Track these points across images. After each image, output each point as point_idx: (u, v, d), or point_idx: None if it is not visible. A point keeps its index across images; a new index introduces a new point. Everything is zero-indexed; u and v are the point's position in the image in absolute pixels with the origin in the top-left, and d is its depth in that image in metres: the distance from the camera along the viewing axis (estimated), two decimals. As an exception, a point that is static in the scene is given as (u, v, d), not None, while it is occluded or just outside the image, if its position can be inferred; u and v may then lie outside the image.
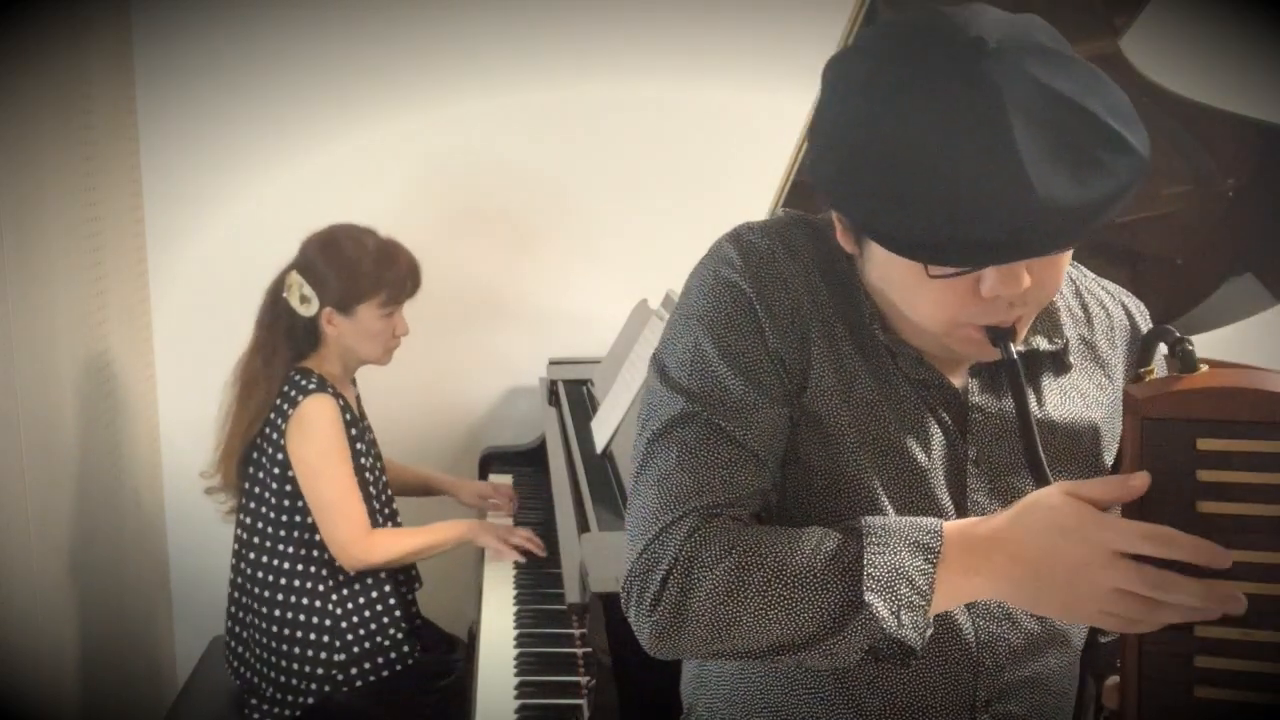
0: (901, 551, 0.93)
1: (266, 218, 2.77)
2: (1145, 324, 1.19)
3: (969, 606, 1.07)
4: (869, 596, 0.92)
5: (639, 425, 1.09)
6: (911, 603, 0.92)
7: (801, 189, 2.08)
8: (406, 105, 2.79)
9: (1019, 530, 0.90)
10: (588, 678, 1.67)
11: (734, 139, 2.85)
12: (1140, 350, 1.00)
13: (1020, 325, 1.01)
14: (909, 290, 1.00)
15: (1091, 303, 1.17)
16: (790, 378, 1.05)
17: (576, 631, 1.89)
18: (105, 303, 2.53)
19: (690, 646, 1.00)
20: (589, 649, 1.60)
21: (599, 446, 2.21)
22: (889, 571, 0.92)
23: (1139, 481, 0.88)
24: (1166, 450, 0.88)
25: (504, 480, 2.69)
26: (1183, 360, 0.90)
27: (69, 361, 2.33)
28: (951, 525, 0.95)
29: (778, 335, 1.05)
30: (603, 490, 2.01)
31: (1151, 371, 0.94)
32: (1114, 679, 0.95)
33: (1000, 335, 0.99)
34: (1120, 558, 0.85)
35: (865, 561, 0.93)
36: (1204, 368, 0.91)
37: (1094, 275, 1.21)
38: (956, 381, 1.09)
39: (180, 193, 2.78)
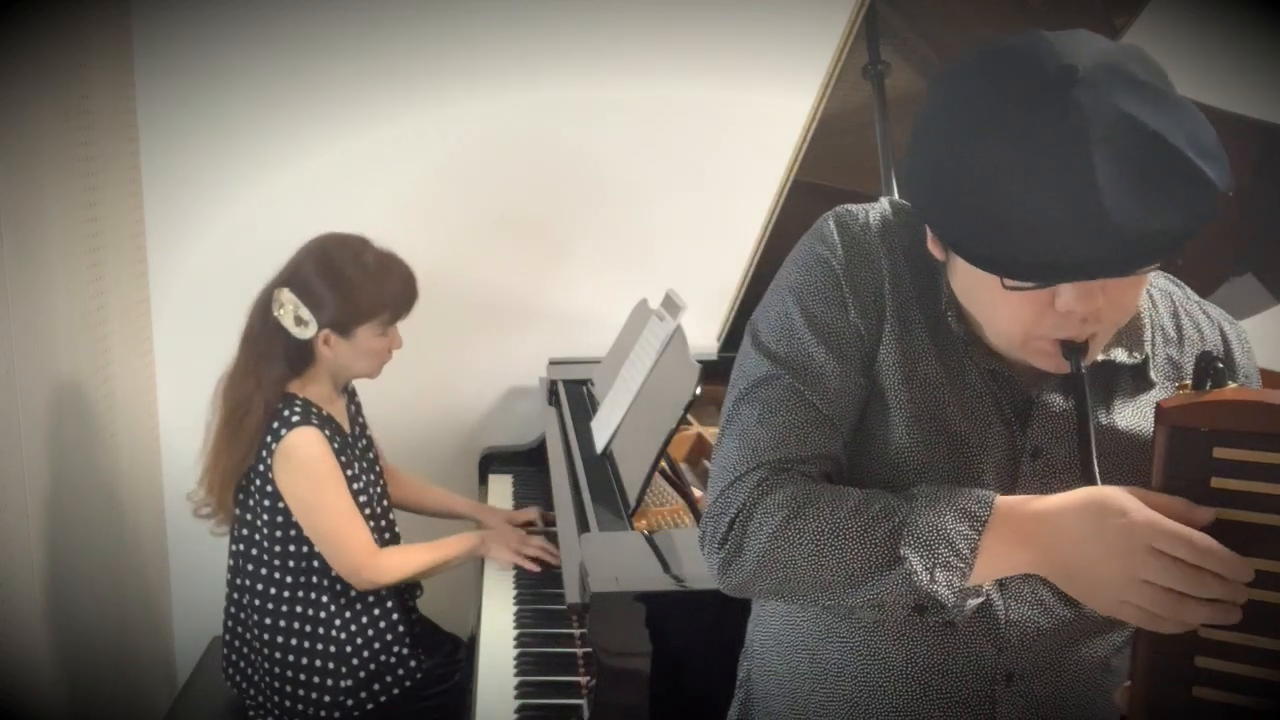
0: (946, 515, 0.99)
1: (267, 218, 2.77)
2: (1242, 350, 1.21)
3: (1001, 586, 1.12)
4: (904, 550, 0.99)
5: (731, 384, 1.18)
6: (948, 563, 0.98)
7: (801, 189, 2.08)
8: (406, 107, 2.78)
9: (1069, 511, 0.96)
10: (588, 678, 1.67)
11: (734, 139, 2.85)
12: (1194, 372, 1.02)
13: (1094, 343, 1.05)
14: (988, 302, 1.05)
15: (1187, 324, 1.20)
16: (866, 350, 1.14)
17: (576, 631, 1.89)
18: (105, 303, 2.53)
19: (749, 581, 1.09)
20: (589, 649, 1.60)
21: (599, 446, 2.21)
22: (929, 531, 0.99)
23: (1205, 514, 0.92)
24: (1186, 457, 0.93)
25: (504, 480, 2.70)
26: (1214, 377, 0.95)
27: (69, 361, 2.33)
28: (1004, 498, 1.00)
29: (858, 309, 1.13)
30: (603, 490, 2.01)
31: (1186, 386, 0.98)
32: (1126, 683, 0.98)
33: (1073, 350, 1.03)
34: (1156, 553, 0.89)
35: (908, 520, 1.00)
36: (1232, 384, 0.95)
37: (1197, 298, 1.24)
38: (1028, 375, 1.13)
39: (180, 193, 2.78)
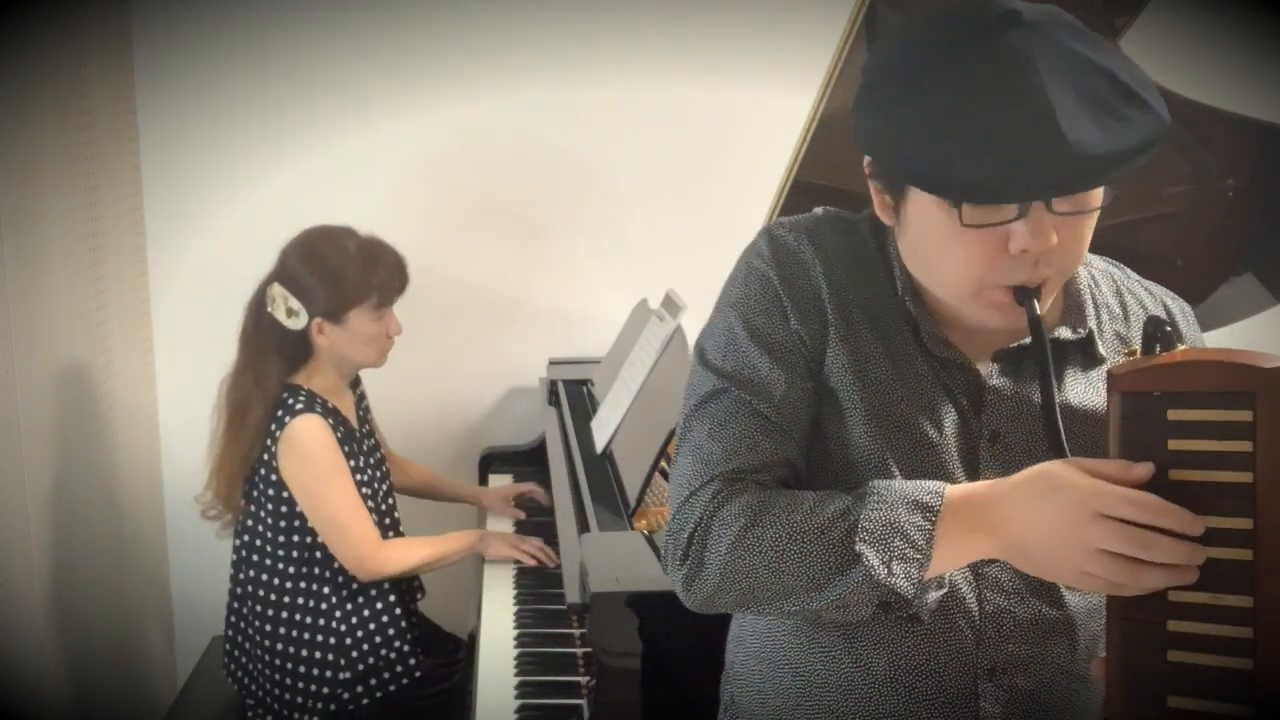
0: (899, 509, 1.00)
1: (267, 217, 2.76)
2: (1186, 323, 1.23)
3: (976, 578, 1.13)
4: (860, 547, 1.00)
5: (683, 404, 1.20)
6: (904, 555, 0.99)
7: (801, 189, 2.07)
8: (407, 104, 2.78)
9: (1016, 490, 0.97)
10: (588, 678, 1.67)
11: (734, 139, 2.85)
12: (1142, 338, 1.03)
13: (1045, 290, 1.06)
14: (943, 249, 1.06)
15: (1130, 301, 1.22)
16: (812, 356, 1.15)
17: (576, 631, 1.89)
18: (105, 303, 2.53)
19: (714, 595, 1.09)
20: (589, 649, 1.60)
21: (599, 446, 2.21)
22: (883, 526, 1.00)
23: (1142, 470, 0.92)
24: (1141, 422, 0.93)
25: (504, 480, 2.70)
26: (1162, 341, 0.95)
27: (69, 362, 2.33)
28: (955, 487, 1.02)
29: (798, 317, 1.14)
30: (603, 490, 2.01)
31: (1134, 352, 0.97)
32: (1102, 655, 0.98)
33: (1026, 294, 1.04)
34: (1104, 519, 0.90)
35: (862, 517, 1.01)
36: (1181, 346, 0.96)
37: (1138, 277, 1.26)
38: (980, 366, 1.15)
39: (180, 193, 2.78)
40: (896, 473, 1.11)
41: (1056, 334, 1.15)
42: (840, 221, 1.20)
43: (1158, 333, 0.96)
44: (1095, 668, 1.00)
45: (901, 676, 1.14)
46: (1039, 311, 1.04)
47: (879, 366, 1.13)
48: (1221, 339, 2.08)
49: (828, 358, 1.14)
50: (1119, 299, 1.22)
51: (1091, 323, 1.17)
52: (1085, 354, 1.17)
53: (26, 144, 2.14)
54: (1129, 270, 1.26)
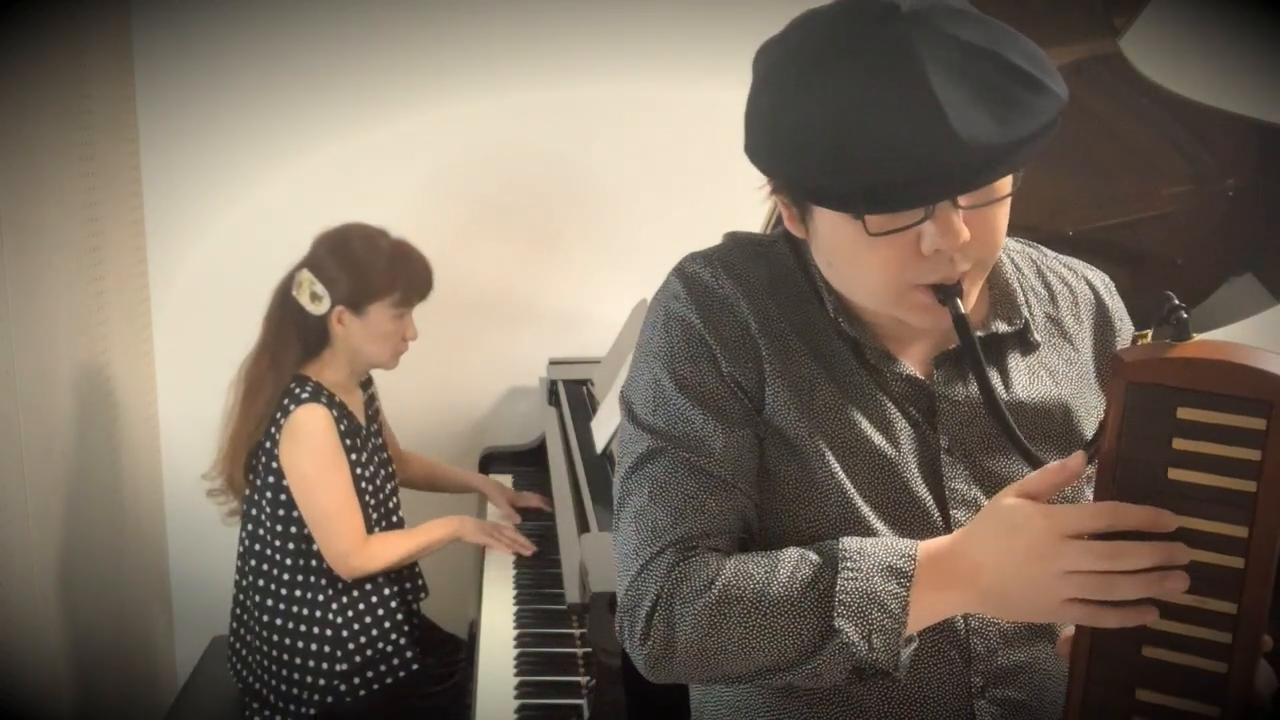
0: (874, 577, 0.97)
1: (267, 218, 2.77)
2: (1110, 296, 1.21)
3: None
4: (839, 622, 0.96)
5: (617, 461, 1.13)
6: (883, 626, 0.96)
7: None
8: (407, 106, 2.78)
9: (977, 539, 0.94)
10: (588, 678, 1.67)
11: (735, 139, 2.83)
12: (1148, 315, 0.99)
13: (967, 283, 1.03)
14: (855, 259, 1.02)
15: (1054, 280, 1.20)
16: (749, 398, 1.09)
17: (576, 631, 1.90)
18: (105, 303, 2.53)
19: (682, 674, 1.05)
20: (589, 649, 1.60)
21: (599, 446, 2.21)
22: (860, 598, 0.96)
23: (1075, 463, 0.91)
24: (1147, 415, 0.89)
25: (504, 480, 2.70)
26: (1176, 328, 0.90)
27: (69, 362, 2.33)
28: (926, 545, 0.98)
29: (729, 359, 1.08)
30: (603, 490, 2.01)
31: (1145, 336, 0.94)
32: (1069, 631, 0.96)
33: (947, 292, 1.01)
34: (1067, 540, 0.87)
35: (837, 588, 0.97)
36: (1196, 337, 0.91)
37: (1055, 254, 1.23)
38: (921, 373, 1.11)
39: (180, 193, 2.78)
40: (859, 498, 1.06)
41: (993, 328, 1.12)
42: (753, 246, 1.15)
43: (1171, 316, 0.90)
44: (1061, 647, 0.97)
45: (895, 709, 1.09)
46: (962, 310, 1.00)
47: (824, 392, 1.08)
48: (1221, 338, 2.08)
49: (767, 395, 1.08)
50: (1042, 280, 1.19)
51: (1025, 311, 1.14)
52: (1023, 342, 1.14)
53: (26, 144, 2.14)
54: (1045, 249, 1.24)
